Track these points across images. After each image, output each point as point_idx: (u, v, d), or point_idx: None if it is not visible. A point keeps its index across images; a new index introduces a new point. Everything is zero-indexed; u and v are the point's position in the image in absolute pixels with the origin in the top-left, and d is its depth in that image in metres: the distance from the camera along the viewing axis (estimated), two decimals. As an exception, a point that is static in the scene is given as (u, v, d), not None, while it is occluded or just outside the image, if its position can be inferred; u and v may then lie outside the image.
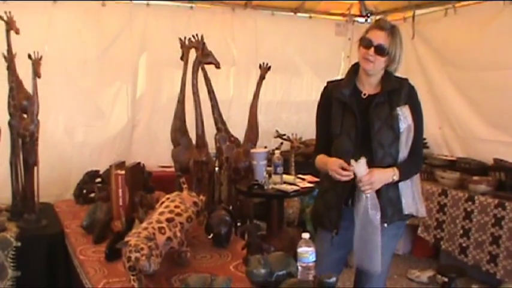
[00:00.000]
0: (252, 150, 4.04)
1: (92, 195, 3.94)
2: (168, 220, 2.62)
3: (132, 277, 2.33)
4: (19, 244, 3.31)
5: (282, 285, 2.27)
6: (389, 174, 2.69)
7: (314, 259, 2.40)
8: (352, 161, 2.63)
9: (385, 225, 2.74)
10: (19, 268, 3.32)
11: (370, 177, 2.62)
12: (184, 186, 3.16)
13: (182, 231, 2.68)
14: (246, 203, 4.19)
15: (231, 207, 3.82)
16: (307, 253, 2.39)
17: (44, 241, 3.44)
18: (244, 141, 4.18)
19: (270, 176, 3.64)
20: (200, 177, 3.81)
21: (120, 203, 3.44)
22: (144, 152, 5.12)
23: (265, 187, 3.54)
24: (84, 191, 4.04)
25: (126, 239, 2.36)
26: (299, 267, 2.41)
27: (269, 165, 3.78)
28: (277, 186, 3.56)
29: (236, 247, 3.00)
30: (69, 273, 3.30)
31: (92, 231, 3.22)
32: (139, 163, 3.72)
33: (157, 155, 5.17)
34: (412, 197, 2.85)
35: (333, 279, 2.22)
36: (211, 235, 3.02)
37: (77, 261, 2.96)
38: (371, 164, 2.66)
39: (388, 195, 2.76)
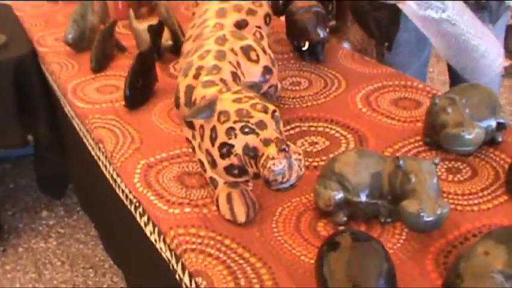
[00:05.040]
0: None
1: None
2: (238, 25, 1.33)
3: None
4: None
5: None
6: None
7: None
8: None
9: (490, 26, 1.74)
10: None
11: None
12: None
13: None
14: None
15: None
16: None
17: (6, 72, 2.03)
18: None
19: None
20: None
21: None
22: None
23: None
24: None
25: (206, 94, 1.05)
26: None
27: None
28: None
29: (336, 57, 1.73)
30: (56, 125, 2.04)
31: (84, 48, 1.87)
32: None
33: None
34: None
35: None
36: (305, 45, 1.67)
37: (72, 112, 1.65)
38: None
39: None
